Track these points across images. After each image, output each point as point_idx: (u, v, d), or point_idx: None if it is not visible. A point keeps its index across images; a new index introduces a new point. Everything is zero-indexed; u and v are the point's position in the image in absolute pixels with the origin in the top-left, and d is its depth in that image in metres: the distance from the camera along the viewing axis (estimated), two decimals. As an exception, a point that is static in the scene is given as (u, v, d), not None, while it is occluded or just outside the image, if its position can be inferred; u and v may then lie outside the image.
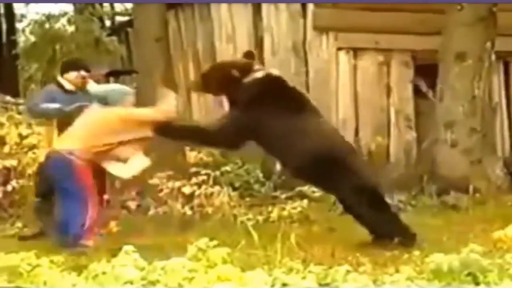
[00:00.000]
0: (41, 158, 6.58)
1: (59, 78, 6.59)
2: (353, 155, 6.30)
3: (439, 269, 3.77)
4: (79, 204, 5.81)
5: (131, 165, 6.16)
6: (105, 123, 6.03)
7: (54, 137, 6.38)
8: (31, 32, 13.25)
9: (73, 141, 5.97)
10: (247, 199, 7.96)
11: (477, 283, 3.72)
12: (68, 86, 6.55)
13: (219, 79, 6.20)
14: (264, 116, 5.98)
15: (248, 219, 6.41)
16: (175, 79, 10.34)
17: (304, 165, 6.00)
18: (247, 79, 6.10)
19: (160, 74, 9.98)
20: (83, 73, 6.62)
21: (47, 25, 12.50)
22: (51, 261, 3.92)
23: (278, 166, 8.63)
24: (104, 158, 6.02)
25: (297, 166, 6.09)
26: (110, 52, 12.29)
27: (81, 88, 6.57)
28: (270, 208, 7.39)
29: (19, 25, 17.37)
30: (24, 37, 14.75)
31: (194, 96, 10.34)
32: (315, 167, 5.96)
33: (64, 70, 6.62)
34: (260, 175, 8.46)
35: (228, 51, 9.84)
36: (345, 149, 6.23)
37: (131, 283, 3.40)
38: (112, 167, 6.14)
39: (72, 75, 6.57)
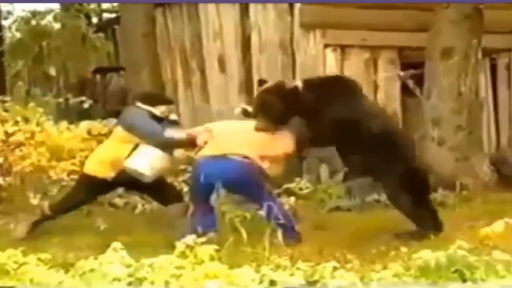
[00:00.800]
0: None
1: (151, 108, 6.46)
2: (407, 139, 6.44)
3: (426, 266, 3.78)
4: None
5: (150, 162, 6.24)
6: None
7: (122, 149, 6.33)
8: (17, 29, 13.21)
9: (241, 148, 6.00)
10: (235, 196, 7.94)
11: (464, 280, 3.74)
12: (160, 115, 6.52)
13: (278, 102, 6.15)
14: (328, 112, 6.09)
15: (236, 216, 6.39)
16: (162, 76, 10.37)
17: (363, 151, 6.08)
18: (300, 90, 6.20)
19: (147, 71, 9.98)
20: (171, 107, 6.76)
21: (33, 22, 12.46)
22: (38, 259, 3.90)
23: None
24: None
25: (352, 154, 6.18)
26: (97, 49, 12.26)
27: (167, 117, 6.62)
28: (257, 205, 7.37)
29: (5, 22, 17.29)
30: (11, 34, 14.68)
31: (180, 90, 10.33)
32: (372, 151, 6.05)
33: (154, 103, 6.54)
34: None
35: (216, 49, 9.83)
36: (396, 133, 6.36)
37: (119, 280, 3.40)
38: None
39: (162, 108, 6.54)
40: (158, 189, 6.56)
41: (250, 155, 5.98)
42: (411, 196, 6.08)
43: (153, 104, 6.51)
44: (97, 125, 8.87)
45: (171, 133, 6.30)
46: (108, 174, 6.35)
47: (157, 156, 6.29)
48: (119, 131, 6.49)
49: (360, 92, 6.40)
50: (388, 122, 6.48)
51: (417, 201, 6.11)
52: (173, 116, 6.74)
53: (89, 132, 8.69)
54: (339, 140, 6.20)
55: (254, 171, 5.98)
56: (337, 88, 6.26)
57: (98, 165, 6.43)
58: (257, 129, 6.10)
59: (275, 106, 6.11)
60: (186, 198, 6.66)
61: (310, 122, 6.14)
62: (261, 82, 6.56)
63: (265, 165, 6.04)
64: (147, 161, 6.24)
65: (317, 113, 6.09)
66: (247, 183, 5.96)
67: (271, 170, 6.11)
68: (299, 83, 6.29)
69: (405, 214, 6.17)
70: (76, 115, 9.87)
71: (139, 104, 6.53)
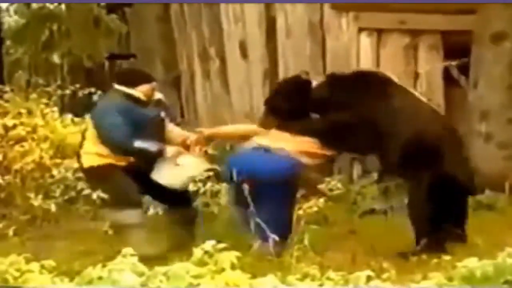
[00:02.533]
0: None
1: (131, 91, 6.36)
2: (448, 142, 6.32)
3: (471, 276, 3.78)
4: None
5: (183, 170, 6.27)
6: None
7: None
8: (16, 12, 13.28)
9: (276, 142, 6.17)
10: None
11: (515, 292, 3.73)
12: (143, 97, 6.42)
13: (291, 96, 6.30)
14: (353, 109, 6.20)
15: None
16: (179, 65, 10.41)
17: (392, 153, 6.13)
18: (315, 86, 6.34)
19: (161, 59, 10.04)
20: (154, 84, 6.57)
21: (34, 5, 12.52)
22: (42, 266, 3.95)
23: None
24: None
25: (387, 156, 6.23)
26: (111, 32, 12.25)
27: (151, 98, 6.54)
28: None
29: (2, 5, 17.39)
30: (10, 18, 14.78)
31: (198, 82, 10.37)
32: (404, 154, 6.09)
33: (134, 83, 6.40)
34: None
35: (237, 33, 9.85)
36: (436, 135, 6.28)
37: (129, 290, 3.44)
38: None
39: (145, 87, 6.43)
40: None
41: (287, 149, 6.05)
42: (432, 209, 6.05)
43: (134, 84, 6.36)
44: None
45: (143, 144, 6.17)
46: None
47: (191, 163, 6.31)
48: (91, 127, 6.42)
49: (394, 90, 6.40)
50: (427, 126, 6.30)
51: (435, 218, 6.06)
52: (157, 95, 6.67)
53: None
54: (357, 143, 6.27)
55: (294, 167, 6.07)
56: (363, 86, 6.32)
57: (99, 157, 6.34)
58: (261, 123, 6.24)
59: (282, 101, 6.22)
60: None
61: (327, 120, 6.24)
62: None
63: (305, 160, 6.11)
64: (180, 173, 6.26)
65: (337, 112, 6.20)
66: (283, 181, 6.03)
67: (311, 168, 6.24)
68: (319, 78, 6.36)
69: (415, 225, 6.14)
70: (82, 106, 9.93)
71: (116, 86, 6.40)
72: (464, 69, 8.80)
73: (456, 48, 8.95)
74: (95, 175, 6.39)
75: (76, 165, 7.98)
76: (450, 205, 6.13)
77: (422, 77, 9.22)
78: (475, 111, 8.37)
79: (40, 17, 11.64)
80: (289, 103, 6.31)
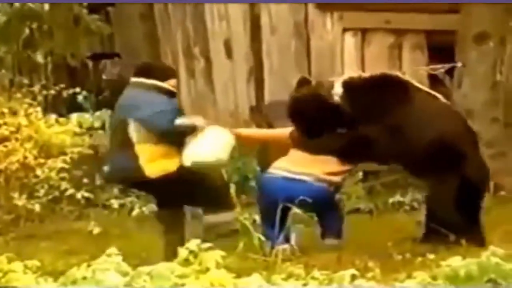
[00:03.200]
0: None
1: (163, 84, 6.15)
2: (469, 143, 6.31)
3: (455, 275, 3.80)
4: None
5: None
6: None
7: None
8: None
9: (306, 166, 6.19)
10: (243, 196, 7.98)
11: (499, 290, 3.75)
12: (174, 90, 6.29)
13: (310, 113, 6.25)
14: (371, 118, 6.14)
15: (245, 219, 6.43)
16: (163, 63, 10.38)
17: (417, 158, 6.10)
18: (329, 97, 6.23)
19: (145, 58, 10.01)
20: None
21: (16, 4, 12.45)
22: (25, 266, 3.94)
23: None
24: None
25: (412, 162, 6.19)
26: (92, 32, 12.24)
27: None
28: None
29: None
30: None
31: (182, 80, 10.36)
32: (429, 157, 6.05)
33: (166, 77, 6.21)
34: (258, 168, 8.48)
35: (221, 32, 9.84)
36: (458, 136, 6.27)
37: (113, 290, 3.43)
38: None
39: (173, 82, 6.28)
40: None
41: (317, 173, 6.14)
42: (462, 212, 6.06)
43: (164, 78, 6.17)
44: (89, 118, 8.91)
45: (187, 120, 6.05)
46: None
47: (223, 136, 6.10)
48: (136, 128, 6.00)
49: (414, 93, 6.38)
50: (450, 128, 6.29)
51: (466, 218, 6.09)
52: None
53: (80, 126, 8.73)
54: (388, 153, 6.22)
55: (326, 192, 6.20)
56: (383, 93, 6.24)
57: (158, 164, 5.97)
58: (292, 136, 6.27)
59: (309, 118, 6.21)
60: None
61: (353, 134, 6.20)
62: (303, 82, 6.50)
63: (333, 180, 6.20)
64: (214, 146, 5.98)
65: (362, 123, 6.15)
66: (321, 204, 6.21)
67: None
68: (338, 87, 6.24)
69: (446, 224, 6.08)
70: (65, 106, 9.90)
71: (142, 79, 6.16)
72: (449, 69, 8.84)
73: (441, 47, 8.99)
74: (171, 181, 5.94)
75: (60, 164, 7.98)
76: (471, 206, 6.14)
77: (406, 76, 9.24)
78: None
79: (22, 15, 11.59)
80: (309, 121, 6.23)
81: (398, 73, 7.01)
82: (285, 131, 6.53)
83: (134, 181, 6.07)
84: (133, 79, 6.23)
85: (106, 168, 6.16)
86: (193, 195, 5.97)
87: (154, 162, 5.87)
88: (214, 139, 5.98)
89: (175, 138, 5.97)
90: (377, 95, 6.21)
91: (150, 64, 7.15)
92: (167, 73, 6.32)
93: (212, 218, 5.97)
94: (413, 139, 6.10)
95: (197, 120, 6.10)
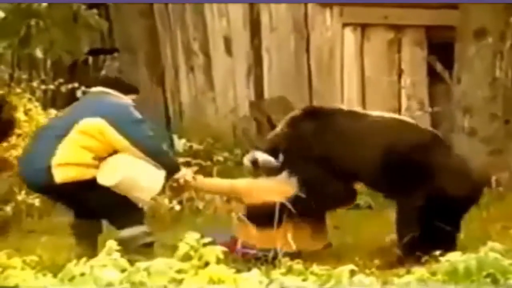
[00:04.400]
0: None
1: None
2: (431, 152, 5.90)
3: (454, 270, 3.79)
4: None
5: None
6: None
7: None
8: (-1, 8, 13.16)
9: None
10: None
11: (497, 285, 3.74)
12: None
13: None
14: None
15: (244, 214, 6.43)
16: (162, 59, 10.38)
17: (373, 172, 5.89)
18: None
19: (145, 54, 10.00)
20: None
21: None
22: (24, 262, 3.93)
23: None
24: None
25: (370, 177, 5.98)
26: (90, 28, 12.23)
27: None
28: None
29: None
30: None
31: (182, 77, 10.34)
32: (381, 172, 5.85)
33: (125, 91, 5.86)
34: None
35: (221, 28, 9.83)
36: (415, 142, 5.94)
37: (112, 285, 3.42)
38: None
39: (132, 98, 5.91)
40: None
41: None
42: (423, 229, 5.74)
43: (125, 92, 5.81)
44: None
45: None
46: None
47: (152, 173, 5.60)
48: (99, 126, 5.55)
49: (343, 117, 6.18)
50: (397, 140, 5.98)
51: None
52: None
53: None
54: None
55: None
56: (315, 127, 6.08)
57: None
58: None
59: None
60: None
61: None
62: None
63: None
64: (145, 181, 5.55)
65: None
66: None
67: None
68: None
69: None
70: (65, 102, 9.88)
71: (107, 90, 5.77)
72: (448, 64, 8.83)
73: (440, 43, 8.99)
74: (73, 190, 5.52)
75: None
76: (446, 220, 5.73)
77: (406, 72, 9.25)
78: (458, 107, 8.39)
79: (21, 11, 11.57)
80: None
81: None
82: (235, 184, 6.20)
83: (42, 183, 5.59)
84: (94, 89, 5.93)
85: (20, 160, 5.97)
86: (103, 208, 5.58)
87: (67, 166, 5.48)
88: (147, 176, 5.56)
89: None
90: (311, 130, 6.05)
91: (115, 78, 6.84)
92: (127, 88, 5.91)
93: (125, 232, 5.50)
94: (360, 161, 5.91)
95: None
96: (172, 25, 10.49)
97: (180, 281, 3.60)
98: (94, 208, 5.60)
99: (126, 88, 5.83)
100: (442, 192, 5.70)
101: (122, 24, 10.27)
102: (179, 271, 3.68)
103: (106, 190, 5.44)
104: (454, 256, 3.86)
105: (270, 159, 6.01)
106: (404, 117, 7.11)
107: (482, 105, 8.33)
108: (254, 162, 6.14)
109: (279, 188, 5.91)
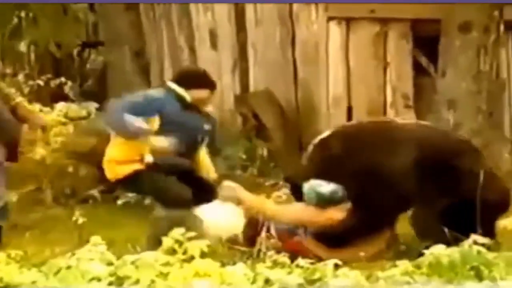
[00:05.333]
0: None
1: (179, 89, 5.90)
2: (459, 159, 5.93)
3: (438, 263, 3.82)
4: None
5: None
6: None
7: None
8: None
9: None
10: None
11: (481, 278, 3.77)
12: (189, 100, 5.90)
13: None
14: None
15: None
16: (147, 53, 10.37)
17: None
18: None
19: (130, 48, 9.98)
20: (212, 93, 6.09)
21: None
22: (8, 256, 3.93)
23: (263, 150, 8.68)
24: None
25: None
26: (79, 21, 12.18)
27: (200, 109, 5.99)
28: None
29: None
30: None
31: (167, 69, 10.34)
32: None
33: (191, 85, 5.93)
34: (243, 157, 8.47)
35: (206, 22, 9.82)
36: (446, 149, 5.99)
37: (98, 279, 3.42)
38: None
39: (202, 93, 5.97)
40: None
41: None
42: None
43: (188, 85, 5.89)
44: (74, 107, 8.86)
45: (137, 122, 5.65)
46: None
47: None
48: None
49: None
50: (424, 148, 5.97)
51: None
52: (209, 108, 6.12)
53: (65, 115, 8.68)
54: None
55: None
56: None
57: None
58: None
59: None
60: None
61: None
62: None
63: None
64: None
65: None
66: None
67: None
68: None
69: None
70: (50, 96, 9.86)
71: (169, 83, 5.98)
72: (433, 58, 8.86)
73: (426, 37, 9.01)
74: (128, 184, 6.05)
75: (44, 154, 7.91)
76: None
77: (391, 65, 9.27)
78: (443, 100, 8.41)
79: (8, 4, 11.54)
80: None
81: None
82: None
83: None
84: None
85: None
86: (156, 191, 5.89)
87: (113, 164, 5.88)
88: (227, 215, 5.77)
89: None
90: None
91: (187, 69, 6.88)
92: (198, 82, 6.01)
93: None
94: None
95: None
96: (157, 19, 10.47)
97: (166, 275, 3.61)
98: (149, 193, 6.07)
99: (192, 83, 5.91)
100: (471, 198, 5.65)
101: (108, 18, 10.24)
102: (165, 265, 3.69)
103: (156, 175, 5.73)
104: (438, 249, 3.88)
105: (335, 187, 5.86)
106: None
107: (467, 98, 8.35)
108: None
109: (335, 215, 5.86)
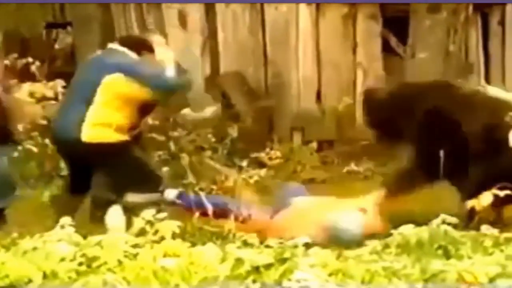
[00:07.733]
0: None
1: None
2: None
3: (406, 242, 3.85)
4: None
5: None
6: None
7: None
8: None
9: None
10: (198, 167, 7.98)
11: (449, 257, 3.80)
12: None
13: None
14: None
15: (201, 189, 6.43)
16: (115, 34, 10.28)
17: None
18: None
19: (98, 28, 9.90)
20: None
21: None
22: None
23: (232, 131, 8.67)
24: None
25: None
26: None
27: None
28: (223, 177, 7.42)
29: None
30: None
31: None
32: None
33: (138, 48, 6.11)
34: (213, 140, 8.46)
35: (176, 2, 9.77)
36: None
37: (66, 260, 3.40)
38: None
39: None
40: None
41: None
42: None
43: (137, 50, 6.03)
44: (41, 87, 8.78)
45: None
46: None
47: None
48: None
49: None
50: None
51: None
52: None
53: (32, 95, 8.60)
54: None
55: None
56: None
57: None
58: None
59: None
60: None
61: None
62: None
63: None
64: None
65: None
66: None
67: None
68: None
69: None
70: (16, 76, 9.75)
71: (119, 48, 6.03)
72: (402, 39, 8.88)
73: (395, 17, 9.03)
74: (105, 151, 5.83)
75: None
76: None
77: (360, 46, 9.28)
78: (413, 80, 8.44)
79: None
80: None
81: None
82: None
83: (70, 142, 5.88)
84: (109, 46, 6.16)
85: (52, 125, 6.20)
86: (125, 173, 5.85)
87: (96, 127, 5.77)
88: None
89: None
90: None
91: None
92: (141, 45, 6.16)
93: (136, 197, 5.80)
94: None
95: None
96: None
97: (135, 255, 3.60)
98: (115, 172, 5.82)
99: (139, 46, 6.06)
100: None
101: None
102: (134, 246, 3.68)
103: (131, 157, 5.79)
104: (406, 229, 3.91)
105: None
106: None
107: (437, 79, 8.39)
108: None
109: None
